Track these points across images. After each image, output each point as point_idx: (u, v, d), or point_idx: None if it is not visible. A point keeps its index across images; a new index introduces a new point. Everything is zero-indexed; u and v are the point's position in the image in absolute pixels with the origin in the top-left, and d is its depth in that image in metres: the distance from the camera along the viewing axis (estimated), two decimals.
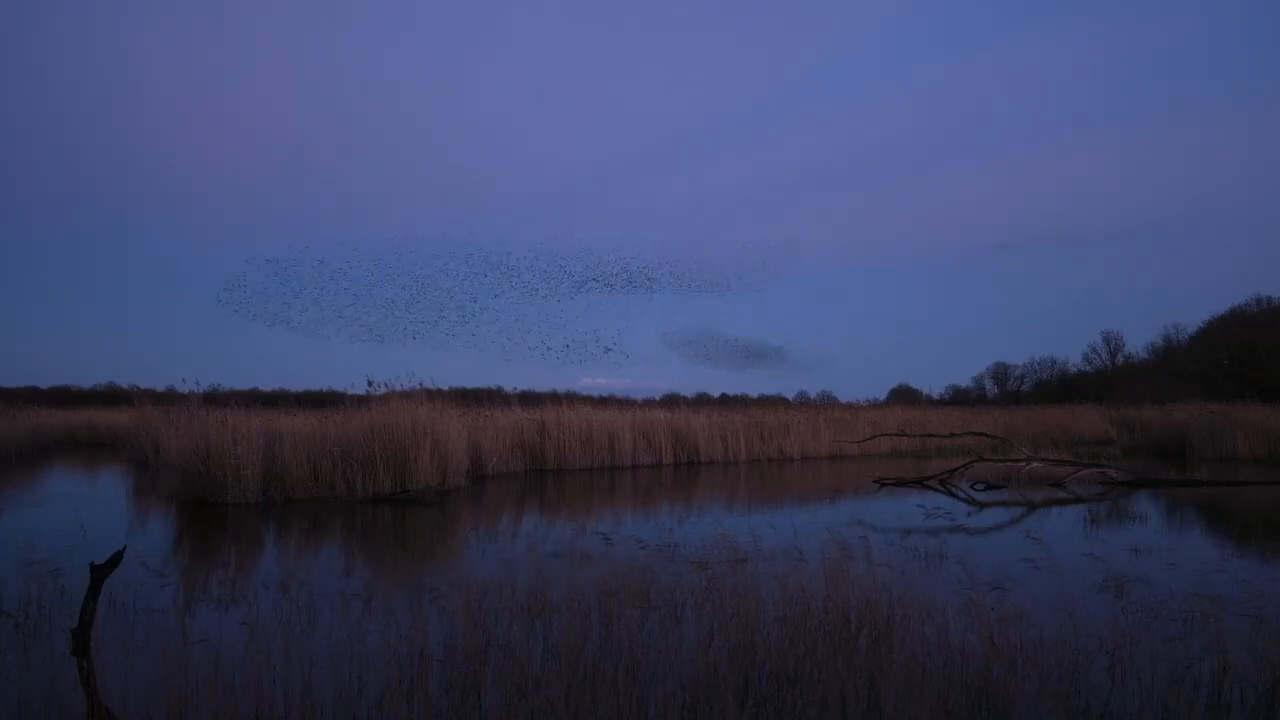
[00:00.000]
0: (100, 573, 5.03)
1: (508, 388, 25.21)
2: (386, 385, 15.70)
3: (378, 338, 23.21)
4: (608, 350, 24.06)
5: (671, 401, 26.99)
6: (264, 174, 58.47)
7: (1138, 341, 60.12)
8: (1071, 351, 67.94)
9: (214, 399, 15.80)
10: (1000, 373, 60.84)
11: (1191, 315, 67.63)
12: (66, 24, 50.40)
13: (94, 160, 55.67)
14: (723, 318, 61.82)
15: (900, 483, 15.15)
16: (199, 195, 55.94)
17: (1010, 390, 58.78)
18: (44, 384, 43.07)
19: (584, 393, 25.40)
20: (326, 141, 60.67)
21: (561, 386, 25.40)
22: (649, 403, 26.82)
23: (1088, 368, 55.51)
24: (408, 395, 14.92)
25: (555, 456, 18.47)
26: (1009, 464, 15.97)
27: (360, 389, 16.69)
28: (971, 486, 14.88)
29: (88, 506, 11.98)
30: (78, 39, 51.92)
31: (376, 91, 59.90)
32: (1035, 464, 15.96)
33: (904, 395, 49.81)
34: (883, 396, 46.03)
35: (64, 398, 40.72)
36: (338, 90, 59.37)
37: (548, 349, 24.49)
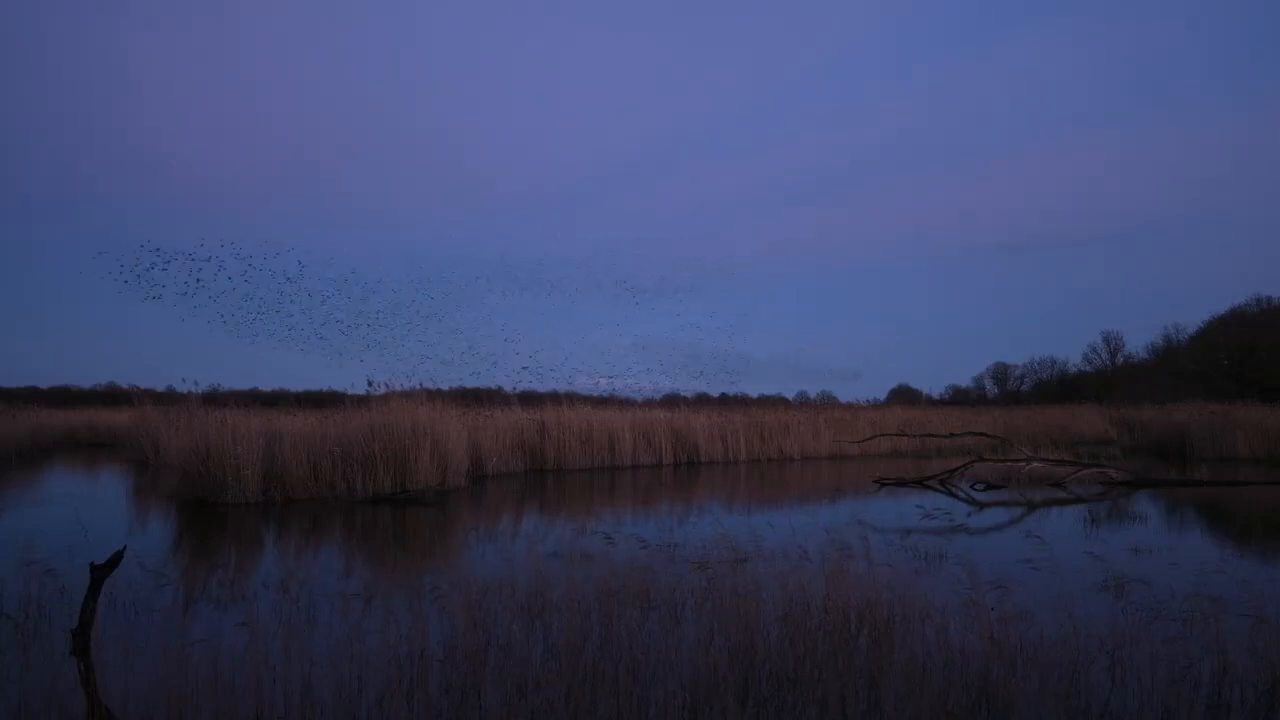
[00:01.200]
0: (100, 573, 5.03)
1: (507, 388, 25.19)
2: (386, 385, 15.73)
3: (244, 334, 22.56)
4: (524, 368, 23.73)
5: (671, 401, 26.99)
6: (264, 174, 58.54)
7: (1138, 341, 60.26)
8: (1071, 351, 68.08)
9: (214, 399, 15.81)
10: (1000, 373, 60.89)
11: (1191, 315, 67.79)
12: (66, 24, 50.38)
13: (95, 160, 55.64)
14: (712, 322, 61.83)
15: (900, 483, 15.15)
16: (199, 195, 55.93)
17: (1010, 390, 58.80)
18: (44, 384, 43.12)
19: (584, 393, 25.34)
20: (327, 142, 60.71)
21: (561, 386, 25.28)
22: (649, 403, 26.82)
23: (1088, 368, 55.57)
24: (408, 395, 14.93)
25: (555, 456, 18.47)
26: (1009, 464, 15.97)
27: (360, 389, 16.72)
28: (971, 486, 14.88)
29: (88, 506, 11.98)
30: (78, 39, 51.88)
31: (375, 92, 59.93)
32: (1035, 464, 15.96)
33: (904, 395, 49.85)
34: (883, 396, 46.09)
35: (64, 398, 40.72)
36: (338, 91, 59.42)
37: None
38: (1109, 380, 49.27)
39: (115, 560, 5.20)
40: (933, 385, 59.05)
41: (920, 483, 15.23)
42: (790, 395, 34.16)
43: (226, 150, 58.10)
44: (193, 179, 56.61)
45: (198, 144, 56.80)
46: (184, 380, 21.56)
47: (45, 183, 54.40)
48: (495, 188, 61.86)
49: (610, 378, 26.80)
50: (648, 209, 64.55)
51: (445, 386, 17.89)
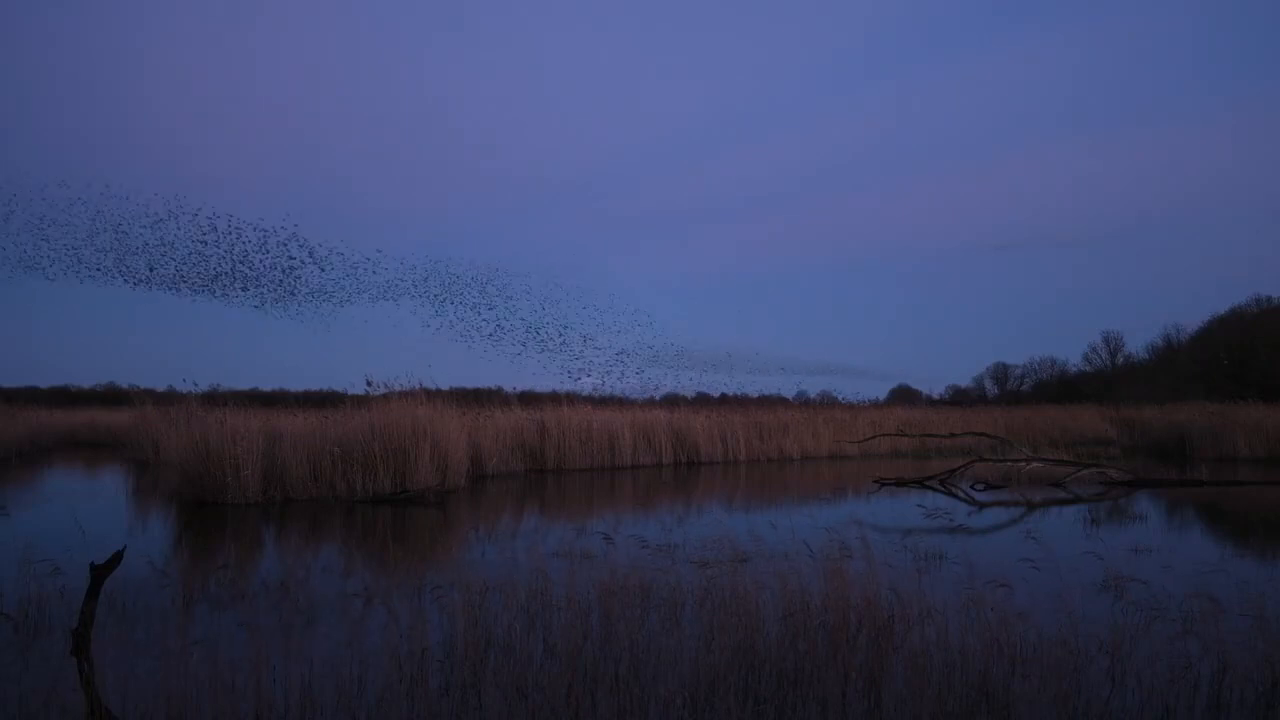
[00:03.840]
0: (100, 573, 5.02)
1: (507, 388, 25.20)
2: (386, 385, 15.71)
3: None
4: None
5: (671, 401, 27.00)
6: (267, 173, 58.48)
7: (1138, 341, 60.27)
8: (1071, 351, 68.07)
9: (214, 399, 15.78)
10: (1000, 373, 60.89)
11: (1191, 315, 67.79)
12: (78, 16, 50.20)
13: (104, 157, 55.48)
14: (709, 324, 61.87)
15: (900, 483, 15.15)
16: (212, 193, 55.87)
17: (1010, 390, 58.78)
18: (44, 384, 43.03)
19: (584, 393, 25.35)
20: (329, 141, 60.66)
21: (562, 387, 25.27)
22: (649, 403, 26.82)
23: (1088, 368, 55.54)
24: (408, 395, 14.92)
25: (555, 457, 18.46)
26: (1009, 464, 15.97)
27: (360, 389, 16.68)
28: (971, 486, 14.88)
29: (87, 506, 11.98)
30: (91, 30, 51.71)
31: (373, 91, 59.94)
32: (1035, 464, 15.96)
33: (904, 395, 49.82)
34: (883, 396, 46.04)
35: (64, 398, 40.67)
36: (339, 90, 59.41)
37: None
38: (1109, 380, 49.24)
39: (115, 560, 5.18)
40: (933, 385, 58.97)
41: (920, 483, 15.23)
42: (791, 395, 34.09)
43: (237, 147, 58.01)
44: (207, 177, 56.39)
45: (212, 141, 56.67)
46: (184, 380, 21.57)
47: (46, 178, 54.22)
48: (494, 187, 61.95)
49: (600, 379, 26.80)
50: (645, 209, 64.62)
51: (445, 386, 17.86)
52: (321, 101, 59.05)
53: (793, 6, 63.09)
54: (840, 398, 32.88)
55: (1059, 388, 51.61)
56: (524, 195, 63.88)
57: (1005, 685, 4.04)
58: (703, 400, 29.05)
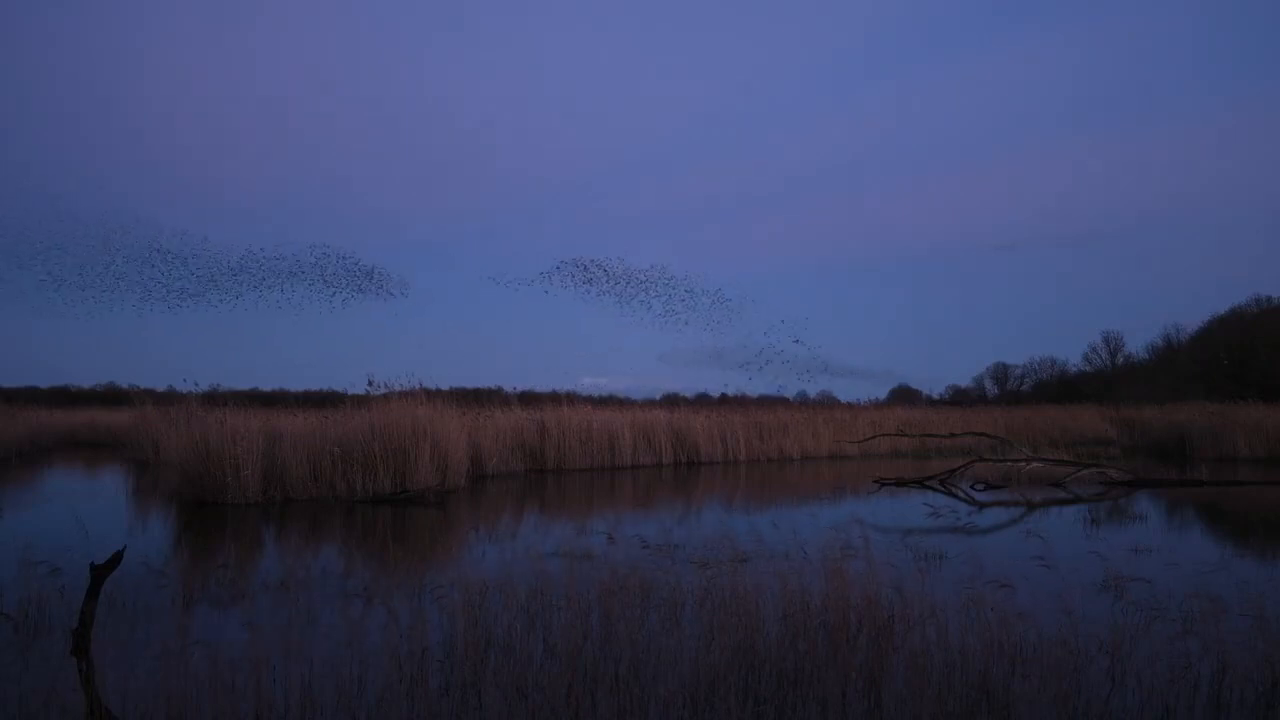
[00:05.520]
0: (100, 573, 5.02)
1: (507, 388, 25.22)
2: (386, 385, 15.71)
3: None
4: None
5: (671, 402, 27.00)
6: (267, 173, 58.41)
7: (1138, 341, 60.19)
8: (1071, 351, 67.98)
9: (214, 399, 15.77)
10: (1000, 373, 60.86)
11: (1191, 315, 67.73)
12: (74, 15, 50.09)
13: (97, 158, 55.41)
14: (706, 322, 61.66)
15: (900, 483, 15.14)
16: (213, 192, 55.64)
17: (1010, 390, 58.74)
18: (44, 384, 42.99)
19: (584, 393, 25.38)
20: (329, 141, 60.58)
21: (562, 387, 25.31)
22: (649, 403, 26.82)
23: (1088, 368, 55.51)
24: (408, 395, 14.92)
25: (555, 457, 18.45)
26: (1009, 464, 15.97)
27: (360, 389, 16.67)
28: (971, 486, 14.88)
29: (88, 506, 11.98)
30: (86, 30, 51.59)
31: (373, 91, 59.92)
32: (1035, 464, 15.96)
33: (904, 395, 49.77)
34: (883, 396, 45.99)
35: (64, 398, 40.64)
36: (339, 90, 59.38)
37: None
38: (1109, 380, 49.21)
39: (115, 560, 5.18)
40: (933, 385, 58.80)
41: (920, 483, 15.22)
42: (789, 394, 34.04)
43: (237, 147, 57.86)
44: (207, 178, 56.20)
45: (212, 142, 56.49)
46: (184, 380, 21.60)
47: (48, 177, 54.21)
48: (494, 188, 61.93)
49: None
50: (645, 210, 64.67)
51: (445, 386, 17.85)
52: (321, 101, 58.90)
53: (793, 6, 63.01)
54: (840, 398, 32.91)
55: (1059, 388, 51.56)
56: (524, 195, 63.78)
57: (1005, 685, 4.04)
58: (702, 400, 29.07)
